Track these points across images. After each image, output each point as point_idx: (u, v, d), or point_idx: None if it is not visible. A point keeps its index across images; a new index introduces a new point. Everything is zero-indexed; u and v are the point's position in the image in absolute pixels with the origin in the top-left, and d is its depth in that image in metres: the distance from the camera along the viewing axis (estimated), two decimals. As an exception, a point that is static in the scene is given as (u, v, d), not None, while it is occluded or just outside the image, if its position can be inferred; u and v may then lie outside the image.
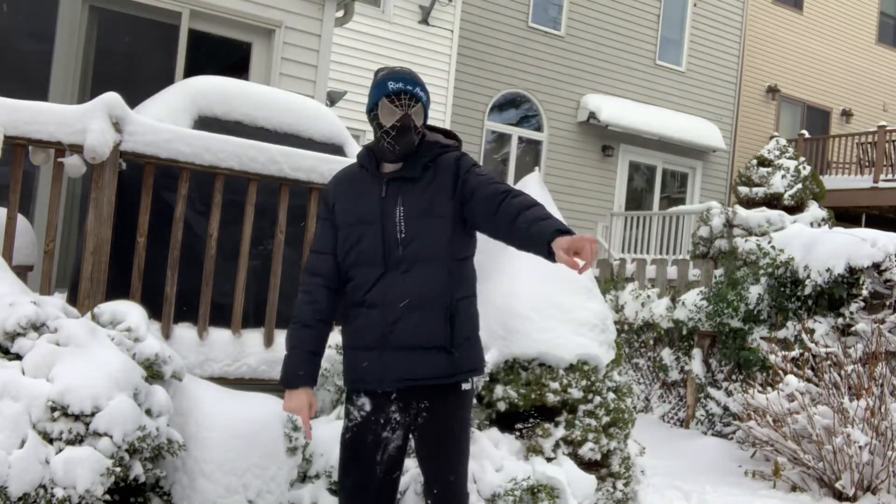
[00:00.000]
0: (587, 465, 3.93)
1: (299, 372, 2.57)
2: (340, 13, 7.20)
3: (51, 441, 2.66)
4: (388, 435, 2.56)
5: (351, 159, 4.31)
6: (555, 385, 3.90)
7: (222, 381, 3.71)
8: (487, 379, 3.91)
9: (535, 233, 2.29)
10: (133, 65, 6.51)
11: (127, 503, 3.07)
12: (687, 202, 15.33)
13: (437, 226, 2.49)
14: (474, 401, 3.87)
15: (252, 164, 3.86)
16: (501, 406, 3.88)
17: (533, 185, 4.39)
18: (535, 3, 13.67)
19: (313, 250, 2.64)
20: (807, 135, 15.41)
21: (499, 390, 3.88)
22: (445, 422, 2.56)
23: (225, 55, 6.77)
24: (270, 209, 4.08)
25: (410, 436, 2.62)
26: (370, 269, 2.50)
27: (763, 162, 10.42)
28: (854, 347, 5.78)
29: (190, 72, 5.94)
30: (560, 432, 3.88)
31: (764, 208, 9.31)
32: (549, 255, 2.25)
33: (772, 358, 5.91)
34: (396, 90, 2.48)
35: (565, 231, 2.25)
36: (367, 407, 2.56)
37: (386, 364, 2.49)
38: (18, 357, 2.82)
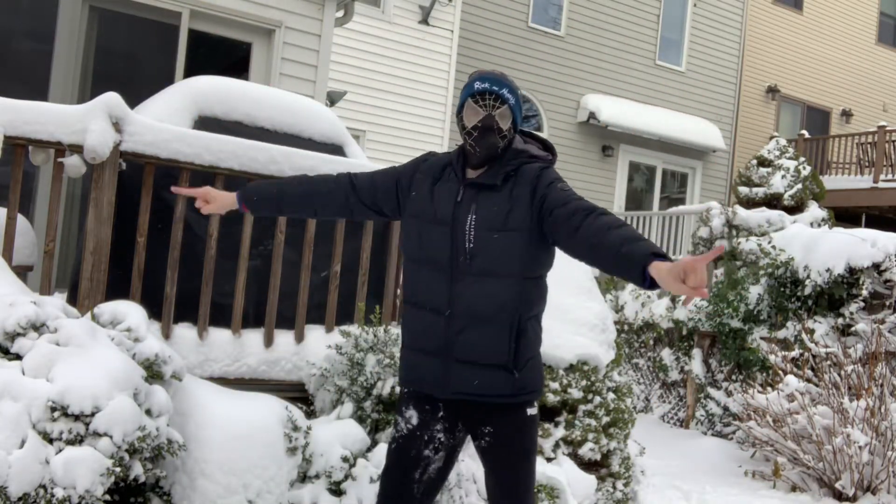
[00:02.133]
0: (587, 466, 3.93)
1: (250, 191, 2.68)
2: (340, 13, 7.20)
3: (51, 441, 2.65)
4: (430, 454, 2.49)
5: (351, 159, 4.33)
6: (555, 385, 3.90)
7: (222, 381, 3.71)
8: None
9: (625, 254, 2.09)
10: (133, 65, 6.51)
11: (127, 503, 3.07)
12: (687, 202, 15.33)
13: (510, 239, 2.36)
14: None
15: (252, 164, 3.86)
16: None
17: (533, 186, 4.39)
18: (535, 3, 13.67)
19: (367, 173, 2.64)
20: (807, 135, 15.41)
21: (499, 390, 3.88)
22: (508, 446, 2.46)
23: (225, 55, 6.77)
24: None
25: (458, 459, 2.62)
26: (435, 272, 2.42)
27: (763, 162, 10.42)
28: (854, 347, 5.78)
29: (190, 72, 5.94)
30: (560, 432, 3.88)
31: (764, 208, 9.31)
32: (643, 281, 2.05)
33: (772, 358, 5.91)
34: (481, 90, 2.41)
35: (661, 255, 2.04)
36: (414, 420, 2.50)
37: (449, 373, 2.41)
38: (18, 357, 2.82)
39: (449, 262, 2.40)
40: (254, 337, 3.97)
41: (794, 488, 5.44)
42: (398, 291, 4.39)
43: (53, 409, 2.67)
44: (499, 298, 2.37)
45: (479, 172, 2.46)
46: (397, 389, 3.65)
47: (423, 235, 2.44)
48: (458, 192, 2.44)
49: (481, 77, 2.45)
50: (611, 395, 4.10)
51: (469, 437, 2.58)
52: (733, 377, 6.91)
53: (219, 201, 2.68)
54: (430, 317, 2.43)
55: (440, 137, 11.35)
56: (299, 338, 4.04)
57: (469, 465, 3.57)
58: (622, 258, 2.10)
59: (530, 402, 2.46)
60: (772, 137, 11.75)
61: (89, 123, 3.49)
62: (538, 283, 2.47)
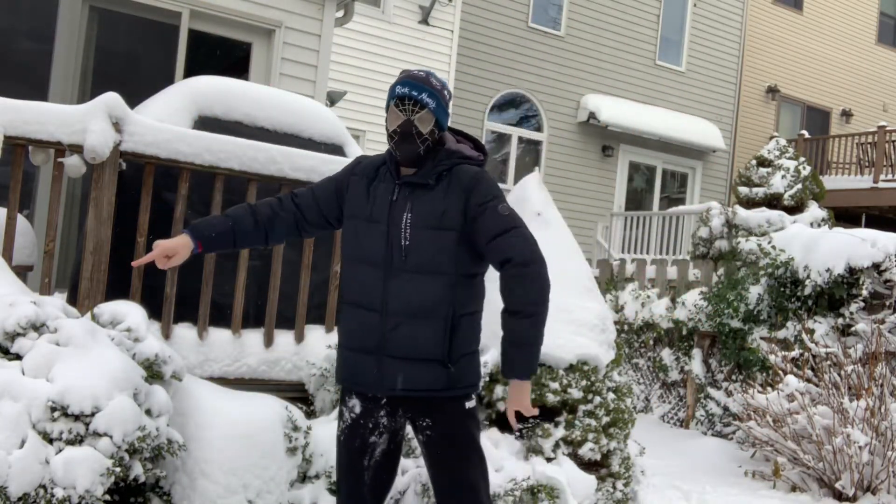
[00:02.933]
0: (587, 466, 3.93)
1: (200, 224, 2.59)
2: (340, 13, 7.20)
3: (51, 441, 2.65)
4: (376, 439, 2.54)
5: (353, 159, 4.32)
6: (555, 385, 3.90)
7: (222, 381, 3.71)
8: (487, 379, 3.91)
9: (506, 352, 2.44)
10: (133, 65, 6.51)
11: (127, 503, 3.07)
12: (687, 202, 15.33)
13: (444, 238, 2.42)
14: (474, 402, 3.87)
15: (252, 164, 3.87)
16: (501, 406, 3.88)
17: (532, 186, 4.39)
18: (535, 3, 13.67)
19: (307, 188, 2.67)
20: (807, 135, 15.41)
21: (499, 390, 3.88)
22: (448, 438, 2.51)
23: (225, 55, 6.77)
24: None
25: (401, 442, 2.64)
26: (371, 270, 2.46)
27: (763, 162, 10.42)
28: (854, 347, 5.78)
29: (190, 72, 5.94)
30: (560, 432, 3.88)
31: (764, 208, 9.31)
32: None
33: (772, 358, 5.91)
34: (401, 94, 2.44)
35: (529, 373, 2.44)
36: (357, 409, 2.54)
37: (384, 370, 2.45)
38: (18, 357, 2.82)
39: (384, 259, 2.44)
40: (254, 337, 3.97)
41: (794, 488, 5.44)
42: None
43: (53, 409, 2.67)
44: (433, 295, 2.42)
45: (412, 171, 2.50)
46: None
47: (360, 234, 2.49)
48: (393, 191, 2.48)
49: (403, 81, 2.47)
50: (611, 395, 4.10)
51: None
52: (733, 377, 6.91)
53: (178, 252, 2.51)
54: (365, 315, 2.46)
55: (440, 137, 11.33)
56: (299, 338, 4.04)
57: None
58: (505, 348, 2.43)
59: (468, 396, 2.54)
60: (772, 137, 11.74)
61: (89, 123, 3.49)
62: (473, 281, 2.52)
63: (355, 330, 2.50)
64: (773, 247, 6.74)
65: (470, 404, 2.54)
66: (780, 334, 6.45)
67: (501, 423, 3.92)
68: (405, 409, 2.54)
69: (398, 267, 2.43)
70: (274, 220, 2.62)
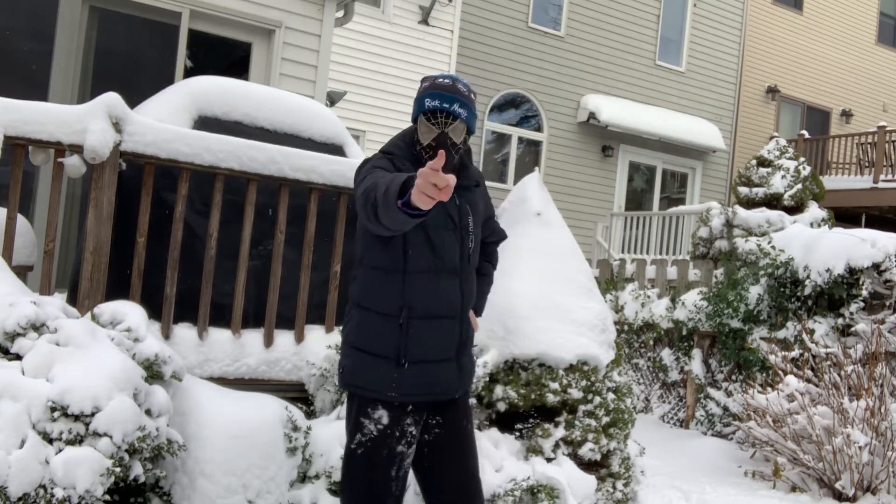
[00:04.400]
0: (587, 466, 3.93)
1: (404, 182, 2.07)
2: (340, 13, 7.20)
3: (50, 441, 2.65)
4: (403, 449, 2.46)
5: (351, 159, 4.33)
6: (555, 385, 3.89)
7: (222, 381, 3.71)
8: (487, 379, 3.91)
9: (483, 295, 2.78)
10: (133, 65, 6.51)
11: (127, 503, 3.07)
12: (687, 202, 15.33)
13: (480, 237, 2.61)
14: (474, 401, 3.89)
15: (252, 165, 3.86)
16: (501, 406, 3.88)
17: (532, 186, 4.39)
18: (535, 4, 13.67)
19: (374, 177, 2.23)
20: (807, 135, 15.41)
21: (498, 390, 3.88)
22: (468, 426, 2.57)
23: (225, 55, 6.77)
24: (271, 209, 4.08)
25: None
26: (449, 278, 2.42)
27: (763, 162, 10.42)
28: (854, 348, 5.78)
29: (190, 72, 5.94)
30: (560, 432, 3.88)
31: (764, 209, 9.31)
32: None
33: (772, 358, 5.91)
34: (432, 108, 2.38)
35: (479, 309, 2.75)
36: (385, 420, 2.43)
37: (462, 371, 2.49)
38: (18, 357, 2.82)
39: (459, 265, 2.45)
40: (254, 337, 3.97)
41: (794, 488, 5.44)
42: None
43: (53, 410, 2.66)
44: (475, 291, 2.60)
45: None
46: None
47: (436, 243, 2.40)
48: (454, 197, 2.45)
49: (431, 93, 2.39)
50: (611, 396, 4.10)
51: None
52: (733, 377, 6.91)
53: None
54: (445, 324, 2.43)
55: (440, 137, 11.32)
56: (299, 338, 4.03)
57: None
58: (482, 294, 2.77)
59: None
60: (772, 137, 11.74)
61: (89, 123, 3.49)
62: None
63: (433, 341, 2.42)
64: (773, 247, 6.74)
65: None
66: (780, 334, 6.44)
67: (501, 423, 3.92)
68: (430, 411, 2.51)
69: (465, 270, 2.46)
70: None
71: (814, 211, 9.83)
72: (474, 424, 2.66)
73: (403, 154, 2.47)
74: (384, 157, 2.47)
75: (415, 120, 2.44)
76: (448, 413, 2.52)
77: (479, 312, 2.72)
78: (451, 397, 2.51)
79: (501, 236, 2.80)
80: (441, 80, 2.44)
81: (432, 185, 1.86)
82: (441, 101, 2.37)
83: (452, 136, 2.40)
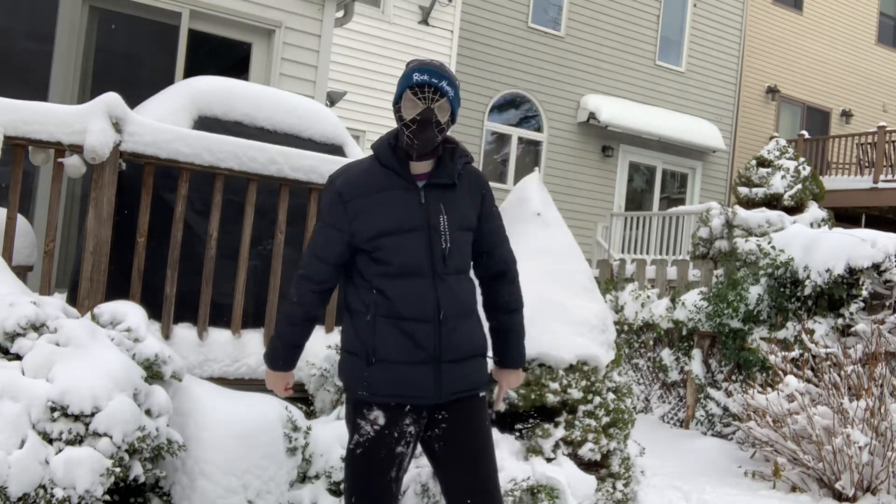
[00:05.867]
0: (587, 466, 3.93)
1: (279, 361, 2.57)
2: (340, 13, 7.20)
3: (50, 441, 2.65)
4: (403, 449, 2.44)
5: (350, 159, 4.32)
6: (555, 385, 3.89)
7: (222, 381, 3.71)
8: (487, 380, 3.91)
9: (513, 344, 2.65)
10: (133, 65, 6.51)
11: (127, 503, 3.07)
12: (687, 202, 15.34)
13: (467, 238, 2.49)
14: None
15: (251, 165, 3.86)
16: (502, 407, 3.88)
17: (532, 186, 4.39)
18: (535, 4, 13.67)
19: (315, 255, 2.48)
20: (806, 135, 15.41)
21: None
22: (478, 429, 2.51)
23: (225, 55, 6.77)
24: (271, 209, 4.08)
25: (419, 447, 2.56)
26: (415, 282, 2.39)
27: (763, 162, 10.41)
28: (854, 348, 5.78)
29: (190, 72, 5.94)
30: (560, 433, 3.88)
31: (764, 209, 9.31)
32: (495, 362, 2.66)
33: (771, 358, 5.91)
34: (420, 82, 2.35)
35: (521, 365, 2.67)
36: (381, 420, 2.41)
37: (444, 377, 2.41)
38: (18, 357, 2.82)
39: (429, 266, 2.40)
40: (254, 337, 3.97)
41: (793, 489, 5.44)
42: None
43: (53, 410, 2.66)
44: (469, 293, 2.51)
45: (426, 169, 2.44)
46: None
47: (397, 247, 2.39)
48: (418, 194, 2.42)
49: (420, 68, 2.38)
50: (611, 396, 4.10)
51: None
52: (733, 377, 6.91)
53: (282, 382, 2.61)
54: (416, 326, 2.39)
55: (440, 137, 11.33)
56: (299, 338, 4.03)
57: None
58: (497, 334, 2.65)
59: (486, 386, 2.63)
60: (772, 138, 11.74)
61: (89, 123, 3.49)
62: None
63: (403, 344, 2.39)
64: (773, 247, 6.74)
65: (482, 392, 2.57)
66: (780, 334, 6.44)
67: (501, 423, 3.92)
68: (431, 412, 2.48)
69: (441, 271, 2.41)
70: (316, 309, 2.55)
71: (814, 211, 9.82)
72: (491, 435, 2.54)
73: (382, 153, 2.45)
74: (330, 211, 2.46)
75: (398, 99, 2.41)
76: (451, 413, 2.48)
77: (514, 362, 2.65)
78: (432, 402, 2.43)
79: (505, 268, 2.59)
80: (429, 60, 2.45)
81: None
82: (430, 76, 2.36)
83: (438, 113, 2.37)
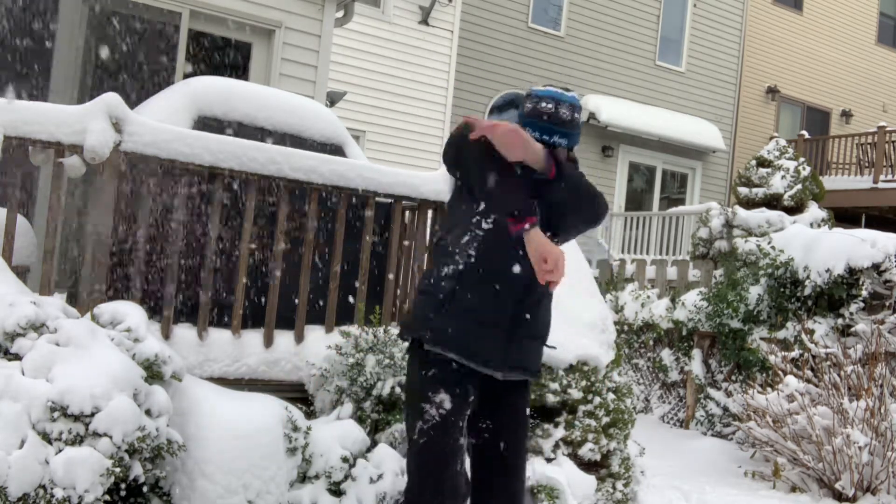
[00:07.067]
0: (587, 466, 3.93)
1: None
2: (340, 13, 7.20)
3: (50, 441, 2.65)
4: (463, 442, 2.41)
5: (350, 159, 4.33)
6: (555, 385, 3.90)
7: (222, 381, 3.71)
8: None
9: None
10: (133, 65, 6.51)
11: (127, 503, 3.07)
12: (687, 203, 15.33)
13: None
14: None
15: (252, 165, 3.86)
16: None
17: (533, 186, 4.39)
18: (535, 4, 13.67)
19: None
20: (806, 135, 15.41)
21: (499, 391, 3.88)
22: (525, 417, 2.55)
23: (225, 55, 6.77)
24: (271, 210, 4.08)
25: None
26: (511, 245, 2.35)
27: (763, 162, 10.42)
28: (854, 348, 5.78)
29: (190, 72, 5.94)
30: (560, 433, 3.88)
31: (764, 209, 9.31)
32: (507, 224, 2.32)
33: (771, 358, 5.91)
34: (545, 142, 2.47)
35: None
36: (447, 405, 2.36)
37: (517, 352, 2.39)
38: (18, 357, 2.82)
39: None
40: (254, 337, 3.97)
41: (793, 489, 5.44)
42: (398, 292, 4.39)
43: (53, 410, 2.66)
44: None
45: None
46: (397, 390, 3.65)
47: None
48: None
49: (550, 126, 2.47)
50: (611, 396, 4.10)
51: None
52: (733, 377, 6.91)
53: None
54: (502, 286, 2.36)
55: (439, 138, 11.35)
56: (299, 338, 4.03)
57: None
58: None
59: None
60: (771, 138, 11.74)
61: (89, 123, 3.49)
62: None
63: (487, 299, 2.43)
64: (773, 247, 6.74)
65: None
66: (780, 335, 6.44)
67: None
68: (495, 395, 2.51)
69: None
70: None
71: (814, 211, 9.82)
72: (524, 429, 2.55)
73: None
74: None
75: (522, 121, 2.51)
76: (520, 398, 2.50)
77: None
78: (493, 373, 2.40)
79: None
80: (563, 112, 2.49)
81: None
82: (560, 138, 2.49)
83: (558, 155, 2.51)
